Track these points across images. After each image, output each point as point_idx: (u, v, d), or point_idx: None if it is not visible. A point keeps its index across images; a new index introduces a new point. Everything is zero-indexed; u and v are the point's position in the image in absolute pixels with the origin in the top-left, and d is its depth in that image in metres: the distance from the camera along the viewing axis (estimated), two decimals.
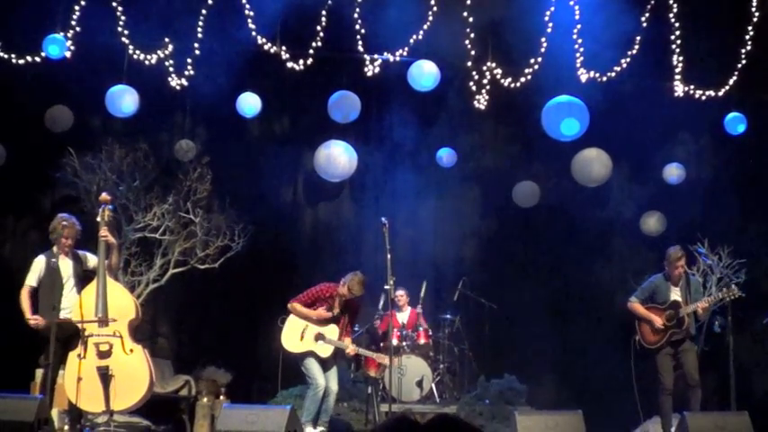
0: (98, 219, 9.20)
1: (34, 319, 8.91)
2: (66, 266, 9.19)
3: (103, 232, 9.11)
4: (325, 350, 9.88)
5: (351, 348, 10.04)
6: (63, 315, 8.98)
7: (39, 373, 11.04)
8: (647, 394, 10.42)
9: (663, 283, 10.27)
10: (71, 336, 8.87)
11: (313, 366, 9.83)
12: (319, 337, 9.88)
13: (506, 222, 14.76)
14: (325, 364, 9.91)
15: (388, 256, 9.41)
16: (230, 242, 12.80)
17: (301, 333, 9.96)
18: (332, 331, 9.93)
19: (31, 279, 9.12)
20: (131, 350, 8.90)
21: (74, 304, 8.92)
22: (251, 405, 9.80)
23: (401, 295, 12.95)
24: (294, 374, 10.77)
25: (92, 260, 9.26)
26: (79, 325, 8.73)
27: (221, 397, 12.09)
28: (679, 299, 10.11)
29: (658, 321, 10.06)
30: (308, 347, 9.86)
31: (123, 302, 9.03)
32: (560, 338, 14.35)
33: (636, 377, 10.19)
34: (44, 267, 9.11)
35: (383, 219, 9.69)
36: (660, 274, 10.40)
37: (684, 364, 10.05)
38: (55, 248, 9.23)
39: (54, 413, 9.42)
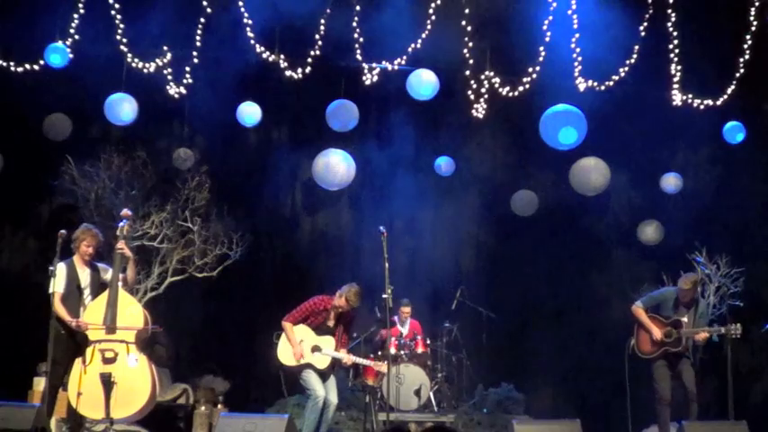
0: (117, 233, 9.23)
1: (77, 323, 8.87)
2: (84, 276, 9.18)
3: (120, 245, 9.12)
4: (323, 362, 9.85)
5: (347, 358, 10.02)
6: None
7: (37, 381, 11.06)
8: (643, 403, 10.41)
9: (673, 298, 10.18)
10: (82, 345, 8.87)
11: (311, 378, 9.75)
12: (316, 349, 9.83)
13: (504, 231, 14.77)
14: (323, 376, 9.88)
15: (387, 264, 9.39)
16: (228, 250, 12.81)
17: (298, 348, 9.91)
18: (328, 343, 9.88)
19: (59, 285, 9.01)
20: (136, 360, 8.89)
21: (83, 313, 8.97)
22: (249, 414, 9.77)
23: (407, 312, 12.95)
24: (292, 384, 10.74)
25: (109, 273, 9.24)
26: (87, 333, 8.76)
27: (219, 405, 12.07)
28: (684, 319, 10.05)
29: (657, 334, 10.01)
30: (306, 361, 9.81)
31: (133, 313, 9.02)
32: (558, 347, 14.36)
33: (629, 382, 10.14)
34: (65, 273, 9.09)
35: (381, 227, 9.65)
36: (674, 288, 10.35)
37: (683, 378, 10.01)
38: (75, 257, 9.22)
39: (52, 422, 9.39)
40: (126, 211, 9.55)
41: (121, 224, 9.30)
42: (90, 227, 9.34)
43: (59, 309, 8.91)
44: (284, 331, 9.92)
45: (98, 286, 9.19)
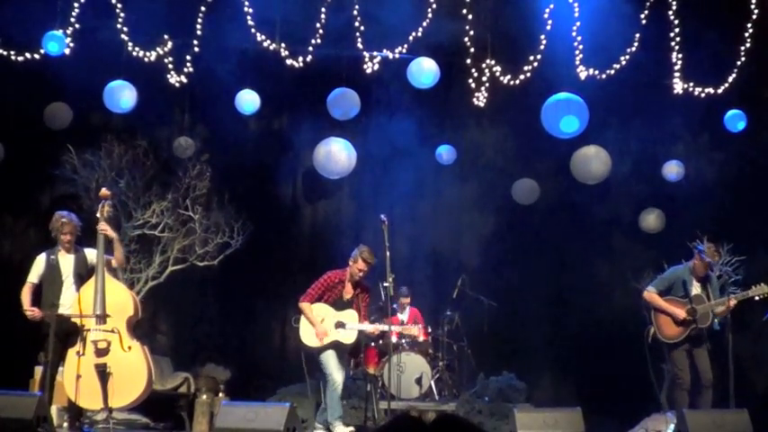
0: (97, 214, 9.21)
1: (30, 311, 8.93)
2: (66, 263, 9.19)
3: (102, 226, 9.11)
4: (350, 337, 9.69)
5: (374, 328, 9.93)
6: (62, 311, 8.99)
7: (38, 370, 11.06)
8: (646, 390, 10.40)
9: (687, 274, 10.06)
10: (71, 333, 8.87)
11: (330, 362, 9.59)
12: (339, 325, 9.66)
13: (506, 219, 14.78)
14: (341, 356, 9.75)
15: (387, 253, 9.38)
16: (229, 239, 12.81)
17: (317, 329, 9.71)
18: (351, 316, 9.72)
19: (32, 276, 9.16)
20: (129, 347, 8.89)
21: (73, 301, 8.94)
22: (250, 402, 9.77)
23: (407, 302, 12.93)
24: (295, 373, 10.70)
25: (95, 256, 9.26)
26: (77, 321, 8.75)
27: (220, 394, 12.08)
28: (701, 294, 9.98)
29: (682, 314, 9.88)
30: (332, 338, 9.63)
31: (121, 299, 9.03)
32: (560, 336, 14.37)
33: (652, 370, 10.03)
34: (44, 264, 9.12)
35: (382, 216, 9.64)
36: (684, 265, 10.27)
37: (698, 363, 9.94)
38: (58, 246, 9.25)
39: (53, 410, 9.42)
40: (104, 191, 9.48)
41: (101, 205, 9.26)
42: (63, 214, 9.31)
43: (23, 297, 9.07)
44: (303, 312, 9.78)
45: (86, 271, 9.19)
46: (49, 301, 9.01)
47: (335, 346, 9.70)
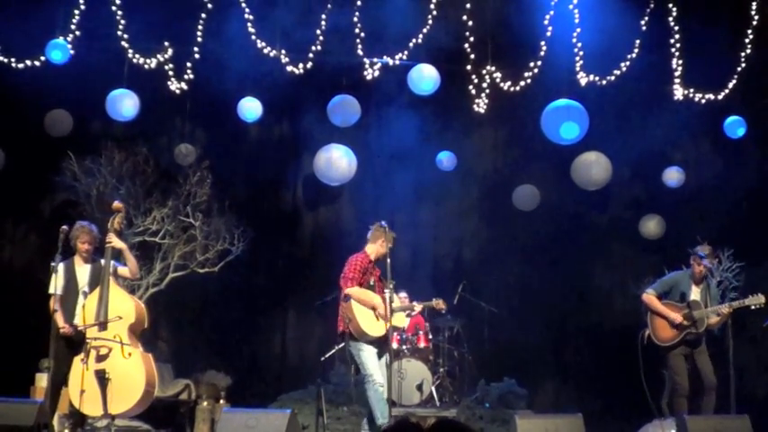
0: (108, 225, 9.21)
1: (64, 328, 8.89)
2: (83, 273, 9.18)
3: (109, 238, 9.12)
4: (401, 319, 9.43)
5: (418, 306, 9.71)
6: (75, 321, 8.99)
7: (39, 377, 11.06)
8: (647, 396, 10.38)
9: (686, 280, 10.03)
10: (80, 342, 8.87)
11: (370, 361, 9.05)
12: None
13: (506, 226, 14.76)
14: (382, 355, 9.18)
15: (388, 260, 9.36)
16: (230, 246, 12.79)
17: (375, 313, 9.17)
18: (395, 300, 9.31)
19: (57, 287, 9.06)
20: (130, 354, 8.89)
21: (79, 310, 8.97)
22: (251, 409, 9.75)
23: (403, 298, 12.88)
24: (295, 379, 10.68)
25: (111, 267, 9.25)
26: (82, 329, 8.76)
27: (221, 401, 12.08)
28: (698, 299, 9.98)
29: (677, 318, 9.88)
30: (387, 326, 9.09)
31: (124, 307, 9.01)
32: (560, 342, 14.37)
33: (644, 373, 9.98)
34: (63, 274, 9.10)
35: (383, 222, 9.63)
36: (684, 271, 10.26)
37: (700, 366, 9.92)
38: (75, 256, 9.24)
39: (54, 418, 9.40)
40: (117, 204, 9.46)
41: (112, 217, 9.27)
42: (84, 224, 9.30)
43: (55, 312, 8.95)
44: (355, 298, 9.12)
45: (100, 282, 9.18)
46: (67, 311, 9.00)
47: (380, 340, 9.14)
